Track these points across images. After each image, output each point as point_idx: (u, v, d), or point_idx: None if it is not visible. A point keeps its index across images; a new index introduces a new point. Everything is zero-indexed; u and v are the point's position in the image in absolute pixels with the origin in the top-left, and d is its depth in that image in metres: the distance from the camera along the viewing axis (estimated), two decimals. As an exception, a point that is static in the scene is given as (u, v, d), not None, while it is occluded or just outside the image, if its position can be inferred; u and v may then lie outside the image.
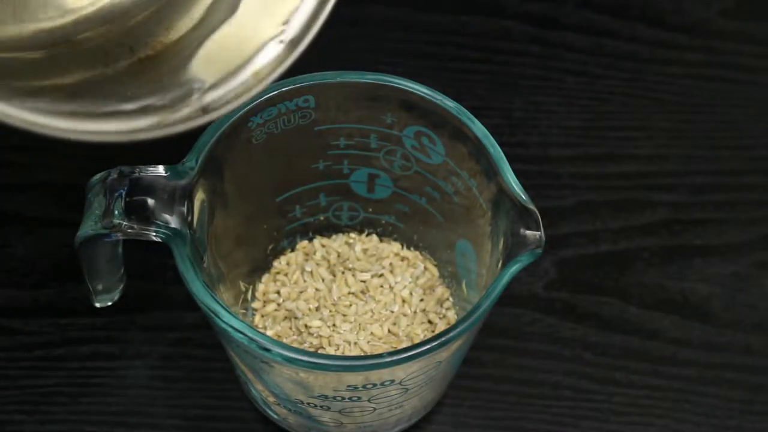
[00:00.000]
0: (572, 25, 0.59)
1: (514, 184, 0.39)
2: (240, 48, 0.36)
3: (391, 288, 0.45)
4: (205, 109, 0.35)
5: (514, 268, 0.38)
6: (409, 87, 0.42)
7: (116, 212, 0.38)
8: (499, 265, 0.39)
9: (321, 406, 0.40)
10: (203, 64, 0.36)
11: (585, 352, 0.49)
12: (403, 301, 0.45)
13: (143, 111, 0.34)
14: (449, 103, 0.41)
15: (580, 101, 0.57)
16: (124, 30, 0.36)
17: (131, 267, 0.45)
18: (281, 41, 0.36)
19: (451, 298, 0.46)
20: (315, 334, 0.44)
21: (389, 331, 0.44)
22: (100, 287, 0.44)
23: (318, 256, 0.47)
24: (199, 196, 0.40)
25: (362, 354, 0.44)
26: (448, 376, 0.44)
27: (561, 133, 0.55)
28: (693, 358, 0.49)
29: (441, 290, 0.46)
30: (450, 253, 0.46)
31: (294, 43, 0.36)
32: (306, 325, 0.44)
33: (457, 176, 0.43)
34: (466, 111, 0.41)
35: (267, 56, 0.36)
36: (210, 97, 0.35)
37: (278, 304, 0.45)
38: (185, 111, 0.34)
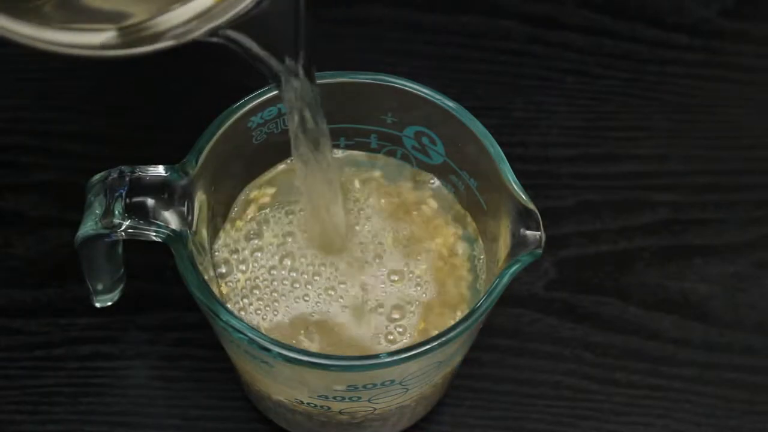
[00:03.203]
0: (572, 25, 0.59)
1: (514, 184, 0.39)
2: None
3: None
4: (161, 34, 0.32)
5: (514, 269, 0.38)
6: (409, 87, 0.42)
7: (116, 212, 0.38)
8: (499, 265, 0.39)
9: (321, 406, 0.40)
10: None
11: (585, 352, 0.49)
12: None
13: (101, 25, 0.31)
14: (449, 103, 0.41)
15: (580, 101, 0.57)
16: None
17: (131, 267, 0.45)
18: None
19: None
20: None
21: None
22: (100, 287, 0.44)
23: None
24: (199, 196, 0.40)
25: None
26: (448, 376, 0.44)
27: (561, 133, 0.55)
28: (693, 358, 0.49)
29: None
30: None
31: None
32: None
33: (457, 176, 0.43)
34: (466, 111, 0.41)
35: None
36: (165, 20, 0.32)
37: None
38: (139, 35, 0.31)
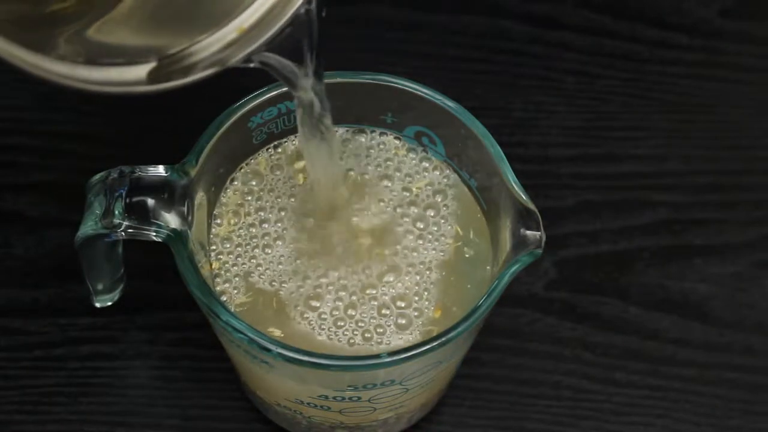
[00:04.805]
0: (572, 25, 0.59)
1: (514, 184, 0.39)
2: None
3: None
4: (188, 68, 0.31)
5: (514, 268, 0.38)
6: (409, 87, 0.42)
7: (116, 212, 0.38)
8: (499, 265, 0.39)
9: (321, 406, 0.40)
10: (168, 18, 0.32)
11: (585, 352, 0.49)
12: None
13: (136, 60, 0.31)
14: (449, 103, 0.41)
15: (580, 101, 0.57)
16: None
17: (131, 267, 0.45)
18: None
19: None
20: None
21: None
22: (100, 287, 0.44)
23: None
24: (199, 196, 0.40)
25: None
26: (448, 376, 0.44)
27: (561, 133, 0.55)
28: (693, 358, 0.49)
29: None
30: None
31: None
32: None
33: (457, 176, 0.43)
34: (466, 111, 0.41)
35: (256, 8, 0.32)
36: (202, 48, 0.31)
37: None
38: (174, 67, 0.31)
